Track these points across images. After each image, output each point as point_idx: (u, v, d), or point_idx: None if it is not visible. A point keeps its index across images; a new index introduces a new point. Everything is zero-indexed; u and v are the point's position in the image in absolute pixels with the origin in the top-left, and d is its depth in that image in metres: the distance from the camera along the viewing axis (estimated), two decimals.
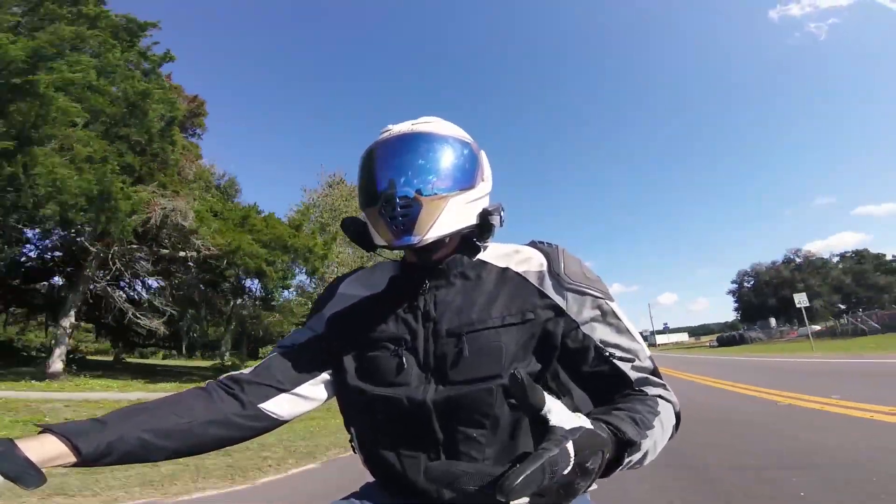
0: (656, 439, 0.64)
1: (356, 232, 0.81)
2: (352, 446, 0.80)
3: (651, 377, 0.72)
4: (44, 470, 0.57)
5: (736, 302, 52.15)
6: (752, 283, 50.44)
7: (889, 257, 51.20)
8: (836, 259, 49.89)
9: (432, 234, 0.71)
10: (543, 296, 0.75)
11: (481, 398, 0.68)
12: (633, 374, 0.71)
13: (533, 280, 0.76)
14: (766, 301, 46.24)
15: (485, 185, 0.80)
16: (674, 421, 0.70)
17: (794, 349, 21.25)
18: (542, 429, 0.48)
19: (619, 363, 0.71)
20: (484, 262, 0.80)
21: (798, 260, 48.37)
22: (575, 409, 0.67)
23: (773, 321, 46.04)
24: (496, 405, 0.68)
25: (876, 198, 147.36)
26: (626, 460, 0.58)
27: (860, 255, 52.10)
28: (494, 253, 0.82)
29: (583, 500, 0.75)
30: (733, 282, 52.83)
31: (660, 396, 0.70)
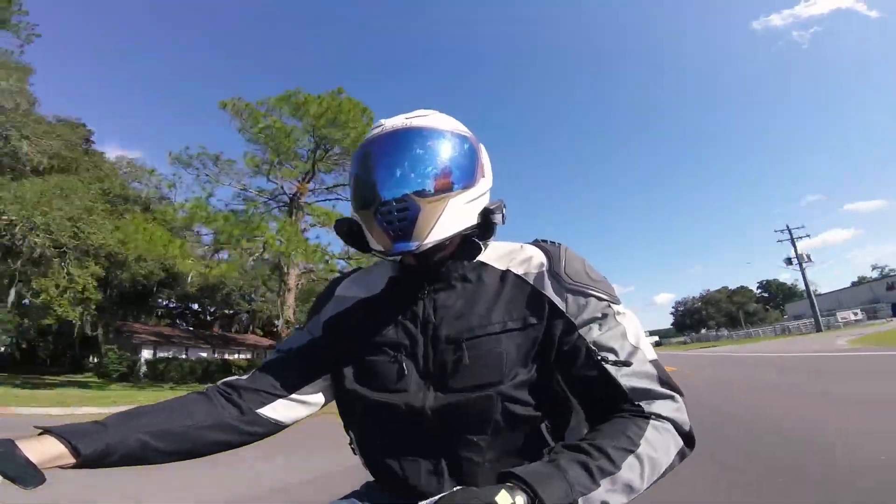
0: (627, 480, 0.57)
1: (350, 233, 0.78)
2: (351, 448, 0.80)
3: (653, 388, 0.65)
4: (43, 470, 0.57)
5: (673, 318, 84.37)
6: (682, 308, 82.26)
7: (791, 283, 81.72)
8: (755, 285, 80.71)
9: (432, 239, 0.68)
10: (542, 297, 0.72)
11: (480, 406, 0.67)
12: (628, 383, 0.65)
13: (533, 281, 0.74)
14: (686, 320, 78.14)
15: (485, 182, 0.77)
16: (675, 448, 0.62)
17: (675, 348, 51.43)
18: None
19: (609, 368, 0.66)
20: (484, 264, 0.78)
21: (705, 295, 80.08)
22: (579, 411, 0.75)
23: (703, 331, 77.44)
24: (495, 412, 0.67)
25: (864, 194, 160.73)
26: None
27: (770, 283, 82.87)
28: (495, 253, 0.79)
29: None
30: (672, 307, 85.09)
31: (658, 416, 0.63)
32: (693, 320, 76.20)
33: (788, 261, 34.23)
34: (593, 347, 0.68)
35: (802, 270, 33.62)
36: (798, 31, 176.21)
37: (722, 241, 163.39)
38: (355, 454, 0.79)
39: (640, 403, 0.64)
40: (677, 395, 0.66)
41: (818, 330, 30.06)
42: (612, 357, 0.67)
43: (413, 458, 0.70)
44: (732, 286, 79.28)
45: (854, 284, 60.66)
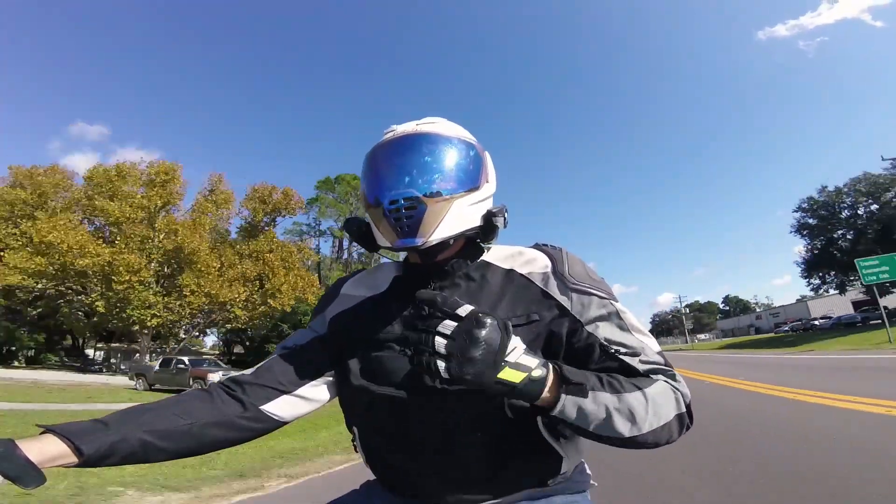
0: (631, 406, 0.63)
1: (359, 232, 0.81)
2: (353, 445, 0.82)
3: (662, 368, 0.72)
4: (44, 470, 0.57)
5: (651, 326, 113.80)
6: (657, 319, 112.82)
7: (747, 300, 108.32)
8: (721, 302, 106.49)
9: (436, 236, 0.71)
10: (548, 296, 0.75)
11: (485, 397, 0.68)
12: (642, 367, 0.71)
13: (537, 281, 0.77)
14: (661, 328, 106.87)
15: (489, 187, 0.80)
16: (675, 410, 0.68)
17: None
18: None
19: (626, 358, 0.71)
20: (488, 264, 0.81)
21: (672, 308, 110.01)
22: None
23: (669, 338, 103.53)
24: (500, 404, 0.70)
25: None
26: (566, 398, 0.61)
27: (734, 299, 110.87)
28: (499, 255, 0.82)
29: (583, 500, 0.76)
30: (650, 318, 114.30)
31: (665, 381, 0.70)
32: (663, 329, 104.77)
33: (676, 311, 64.74)
34: (606, 343, 0.72)
35: (685, 325, 63.88)
36: (804, 41, 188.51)
37: (723, 241, 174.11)
38: (357, 451, 0.81)
39: (651, 375, 0.71)
40: (678, 378, 0.72)
41: (686, 343, 60.64)
42: (623, 350, 0.72)
43: (416, 453, 0.72)
44: (734, 288, 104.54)
45: (797, 301, 79.71)
